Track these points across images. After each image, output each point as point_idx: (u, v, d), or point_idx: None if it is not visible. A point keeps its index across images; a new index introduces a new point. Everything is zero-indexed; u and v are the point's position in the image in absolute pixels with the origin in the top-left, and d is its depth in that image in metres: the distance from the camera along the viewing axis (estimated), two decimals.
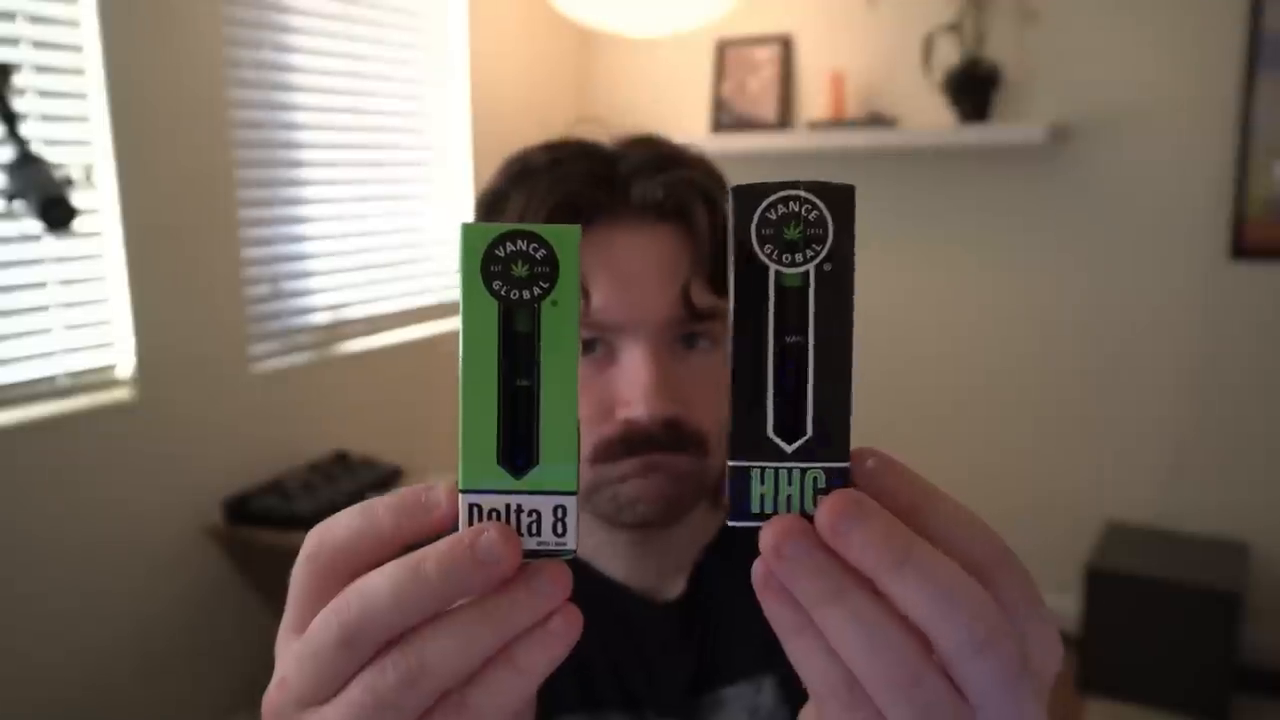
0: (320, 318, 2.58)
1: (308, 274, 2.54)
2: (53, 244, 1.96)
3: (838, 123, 2.85)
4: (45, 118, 1.95)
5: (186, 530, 2.21)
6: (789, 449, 0.30)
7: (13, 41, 1.89)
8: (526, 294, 0.29)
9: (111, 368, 2.09)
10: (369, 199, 2.70)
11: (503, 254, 0.29)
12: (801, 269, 0.29)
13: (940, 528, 0.30)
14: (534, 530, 0.30)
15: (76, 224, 1.83)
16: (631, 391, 0.63)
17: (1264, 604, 2.57)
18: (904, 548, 0.28)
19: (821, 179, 0.29)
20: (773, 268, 0.29)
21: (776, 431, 0.30)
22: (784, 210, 0.29)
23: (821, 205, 0.29)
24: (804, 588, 0.29)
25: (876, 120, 2.81)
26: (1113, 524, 2.71)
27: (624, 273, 0.65)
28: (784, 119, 3.03)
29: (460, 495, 0.30)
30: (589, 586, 0.73)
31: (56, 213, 1.77)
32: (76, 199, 1.83)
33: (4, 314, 1.91)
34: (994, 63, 2.66)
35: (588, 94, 3.40)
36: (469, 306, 0.29)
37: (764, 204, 0.29)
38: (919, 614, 0.28)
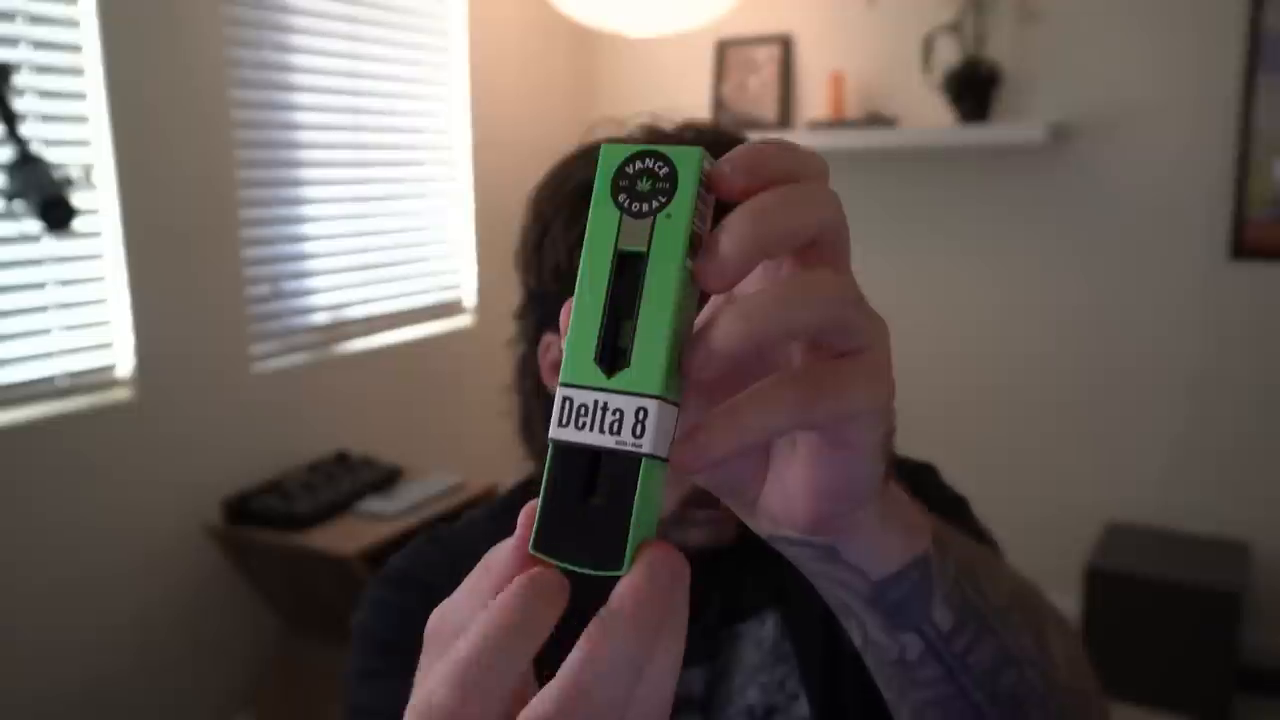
0: (320, 318, 2.58)
1: (308, 274, 2.54)
2: (52, 244, 1.96)
3: (838, 123, 2.85)
4: (45, 118, 1.95)
5: (186, 530, 2.21)
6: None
7: (13, 41, 1.89)
8: (645, 207, 0.31)
9: (111, 368, 2.09)
10: (369, 199, 2.70)
11: (632, 171, 0.31)
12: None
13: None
14: (615, 429, 0.30)
15: (76, 224, 1.83)
16: None
17: (1264, 604, 2.57)
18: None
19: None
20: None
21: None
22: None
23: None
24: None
25: (876, 120, 2.81)
26: (1113, 524, 2.71)
27: None
28: (784, 119, 3.03)
29: (559, 387, 0.31)
30: None
31: (56, 213, 1.77)
32: (76, 199, 1.83)
33: (4, 314, 1.91)
34: (994, 63, 2.66)
35: (588, 94, 3.40)
36: (595, 215, 0.31)
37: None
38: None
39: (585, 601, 0.30)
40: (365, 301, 2.71)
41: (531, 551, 0.31)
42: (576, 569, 0.30)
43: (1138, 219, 2.66)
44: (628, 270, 0.31)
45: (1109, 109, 2.65)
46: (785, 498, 0.37)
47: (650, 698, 0.30)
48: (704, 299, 0.33)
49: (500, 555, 0.32)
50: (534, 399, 0.78)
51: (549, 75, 3.28)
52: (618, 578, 0.30)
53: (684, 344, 0.31)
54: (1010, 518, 2.84)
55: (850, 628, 0.45)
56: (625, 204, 0.31)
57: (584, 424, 0.31)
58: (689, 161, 0.31)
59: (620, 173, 0.31)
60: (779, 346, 0.36)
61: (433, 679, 0.29)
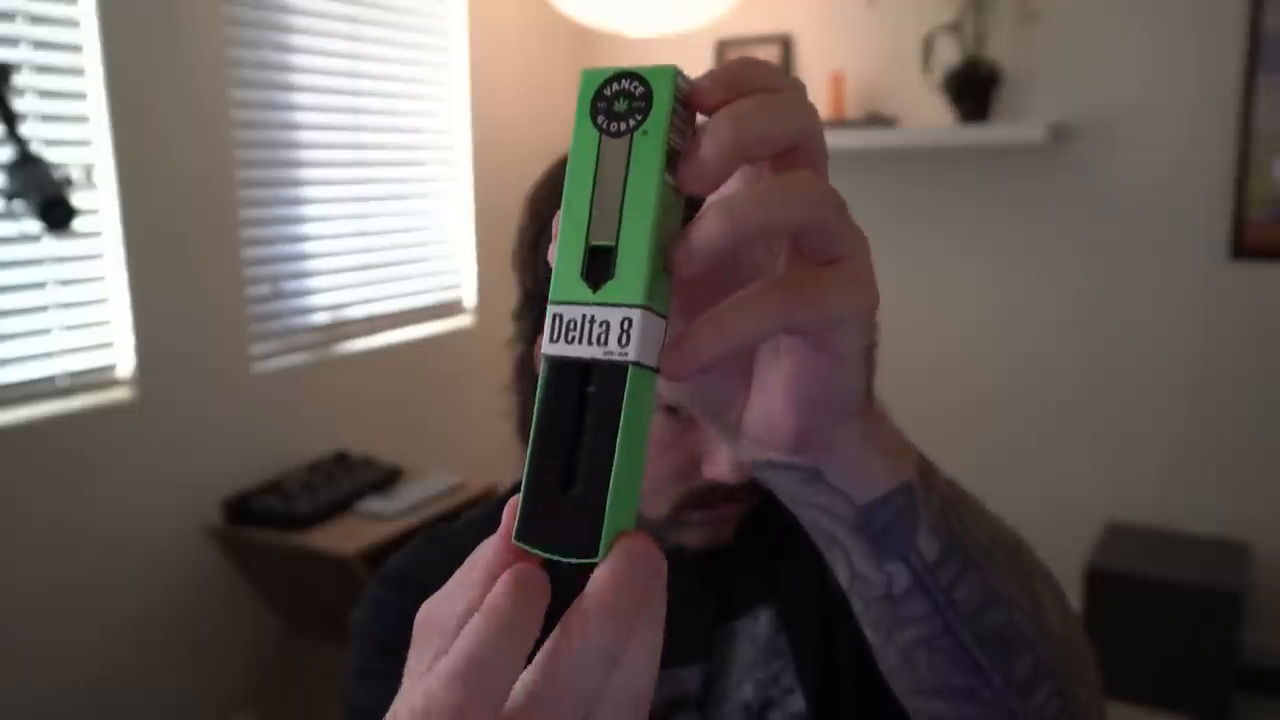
0: (320, 318, 2.58)
1: (308, 274, 2.54)
2: (52, 244, 1.96)
3: (838, 123, 2.85)
4: (45, 118, 1.95)
5: (186, 530, 2.22)
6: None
7: (13, 41, 1.89)
8: (623, 125, 0.32)
9: (111, 368, 2.09)
10: (369, 199, 2.70)
11: (609, 93, 0.32)
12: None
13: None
14: (603, 341, 0.31)
15: (76, 224, 1.83)
16: (716, 457, 0.65)
17: (1264, 604, 2.57)
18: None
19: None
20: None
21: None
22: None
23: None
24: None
25: (876, 120, 2.81)
26: (1113, 524, 2.71)
27: None
28: None
29: (549, 305, 0.32)
30: None
31: (56, 213, 1.77)
32: (76, 199, 1.83)
33: (4, 314, 1.91)
34: (994, 63, 2.66)
35: None
36: (576, 138, 0.32)
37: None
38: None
39: (564, 590, 0.30)
40: (365, 301, 2.71)
41: (514, 542, 0.31)
42: (556, 558, 0.31)
43: (1138, 219, 2.66)
44: (609, 189, 0.32)
45: (1109, 109, 2.65)
46: (768, 415, 0.38)
47: (625, 688, 0.30)
48: (689, 216, 0.33)
49: (486, 548, 0.32)
50: (533, 398, 0.78)
51: (549, 75, 3.28)
52: (594, 566, 0.30)
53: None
54: (1010, 518, 2.83)
55: (837, 562, 0.45)
56: (604, 125, 0.32)
57: (573, 338, 0.31)
58: (663, 79, 0.31)
59: (599, 95, 0.32)
60: (760, 250, 0.37)
61: (432, 680, 0.29)
